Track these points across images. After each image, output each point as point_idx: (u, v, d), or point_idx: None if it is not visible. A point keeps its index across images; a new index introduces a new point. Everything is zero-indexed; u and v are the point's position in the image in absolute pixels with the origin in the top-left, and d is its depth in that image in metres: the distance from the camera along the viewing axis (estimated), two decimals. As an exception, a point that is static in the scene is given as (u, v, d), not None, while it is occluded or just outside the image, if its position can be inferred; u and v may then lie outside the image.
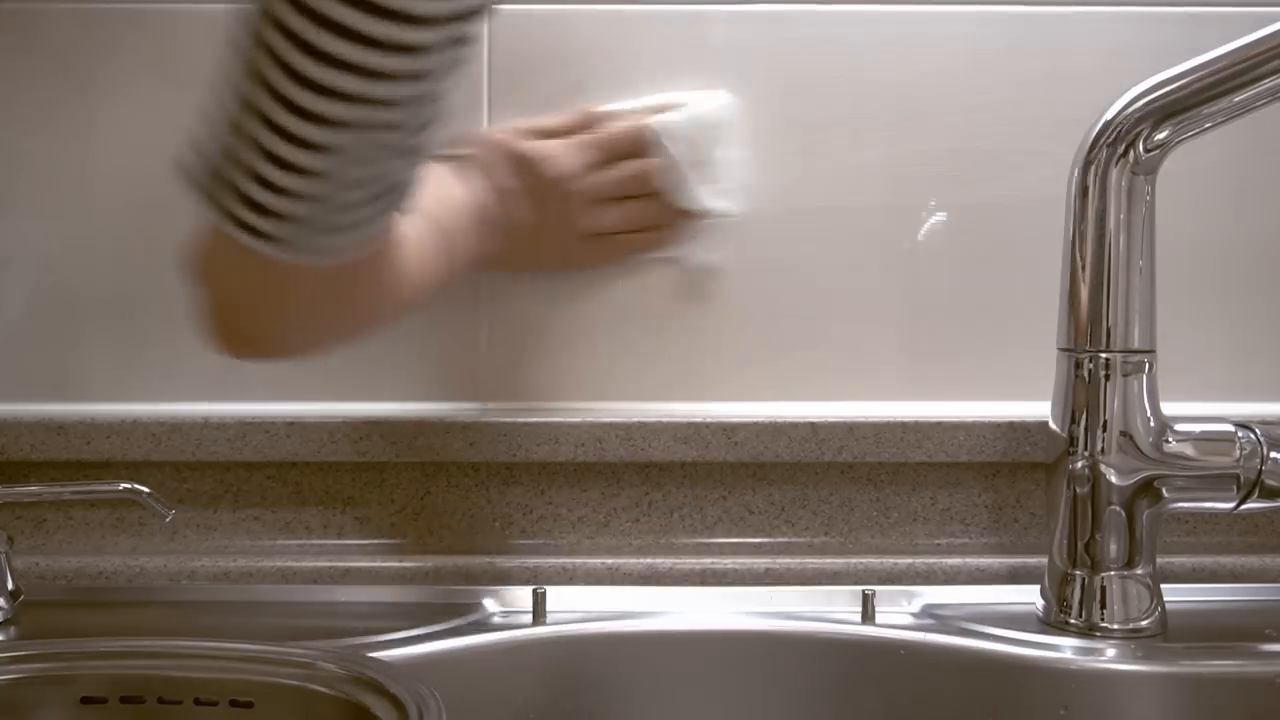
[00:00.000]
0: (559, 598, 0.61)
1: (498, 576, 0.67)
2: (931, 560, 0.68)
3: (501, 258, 0.67)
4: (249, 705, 0.51)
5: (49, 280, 0.71)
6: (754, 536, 0.71)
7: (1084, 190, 0.59)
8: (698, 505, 0.70)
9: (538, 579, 0.66)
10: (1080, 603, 0.60)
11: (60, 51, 0.70)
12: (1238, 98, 0.56)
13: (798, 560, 0.68)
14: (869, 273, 0.72)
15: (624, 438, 0.68)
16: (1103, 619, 0.59)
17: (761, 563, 0.68)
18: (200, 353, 0.71)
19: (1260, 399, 0.71)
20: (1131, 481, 0.59)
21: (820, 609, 0.62)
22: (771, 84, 0.71)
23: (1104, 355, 0.59)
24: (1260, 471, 0.58)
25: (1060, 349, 0.61)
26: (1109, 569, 0.59)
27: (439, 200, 0.60)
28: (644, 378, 0.71)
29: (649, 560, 0.68)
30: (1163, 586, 0.60)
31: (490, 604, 0.63)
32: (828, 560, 0.68)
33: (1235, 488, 0.58)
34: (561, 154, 0.67)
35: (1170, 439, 0.59)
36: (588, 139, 0.68)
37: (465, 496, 0.70)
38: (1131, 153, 0.57)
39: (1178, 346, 0.63)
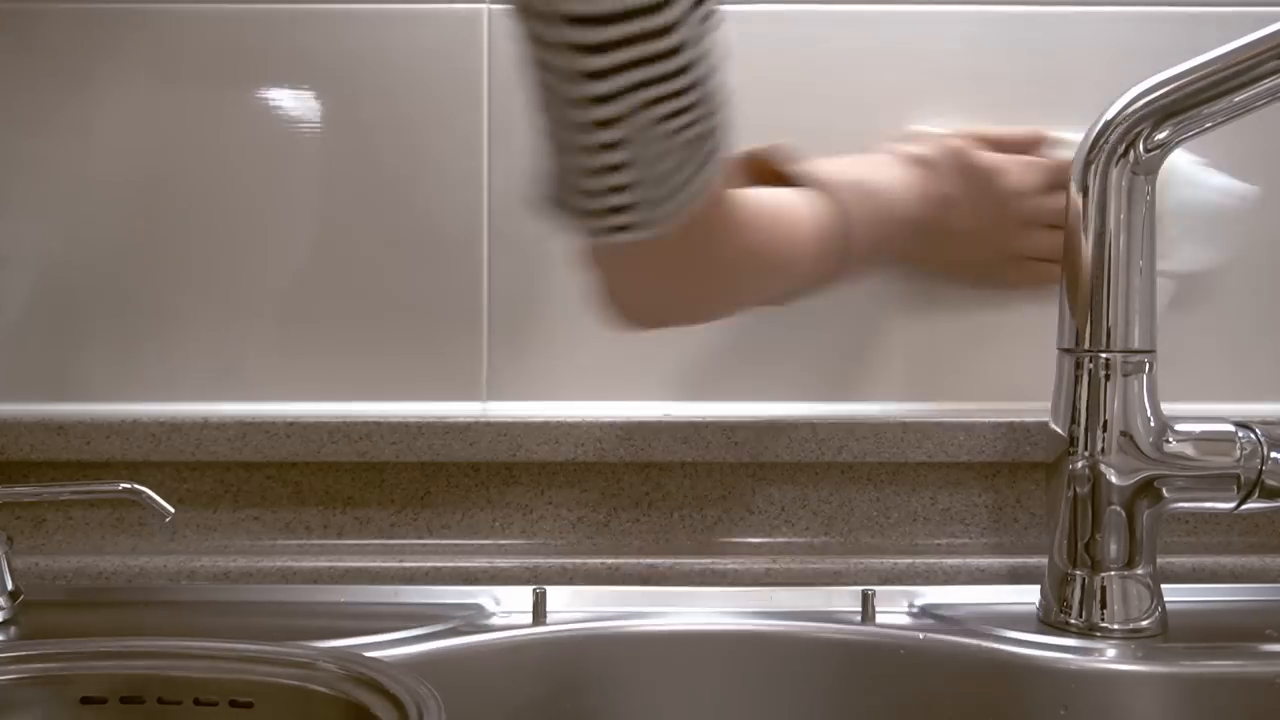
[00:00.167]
0: (559, 598, 0.61)
1: (498, 576, 0.67)
2: (931, 560, 0.68)
3: (923, 257, 0.68)
4: (249, 705, 0.51)
5: (49, 280, 0.71)
6: (754, 536, 0.71)
7: (1084, 190, 0.59)
8: (698, 505, 0.70)
9: (538, 579, 0.66)
10: (1080, 603, 0.60)
11: (59, 51, 0.70)
12: (1238, 98, 0.56)
13: (798, 560, 0.68)
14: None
15: (624, 438, 0.68)
16: (1103, 619, 0.59)
17: (761, 563, 0.68)
18: (200, 353, 0.71)
19: (1260, 399, 0.71)
20: (1131, 481, 0.59)
21: (820, 609, 0.62)
22: (771, 84, 0.71)
23: (1104, 355, 0.59)
24: (1260, 471, 0.58)
25: (1060, 349, 0.61)
26: (1109, 569, 0.59)
27: (861, 186, 0.62)
28: (644, 378, 0.71)
29: (649, 560, 0.68)
30: (1163, 586, 0.60)
31: (490, 604, 0.63)
32: (828, 560, 0.68)
33: (1235, 488, 0.58)
34: (1014, 171, 0.67)
35: (1170, 439, 0.59)
36: (1040, 161, 0.68)
37: (465, 496, 0.70)
38: (1131, 153, 0.57)
39: (1178, 346, 0.63)
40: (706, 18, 0.45)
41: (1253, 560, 0.69)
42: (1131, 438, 0.58)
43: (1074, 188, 0.59)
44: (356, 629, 0.58)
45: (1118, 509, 0.59)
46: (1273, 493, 0.58)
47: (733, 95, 0.68)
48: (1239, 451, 0.58)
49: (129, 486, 0.61)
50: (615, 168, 0.47)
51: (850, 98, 0.71)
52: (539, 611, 0.60)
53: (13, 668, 0.52)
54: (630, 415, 0.69)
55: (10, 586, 0.61)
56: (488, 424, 0.68)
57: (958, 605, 0.63)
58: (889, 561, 0.68)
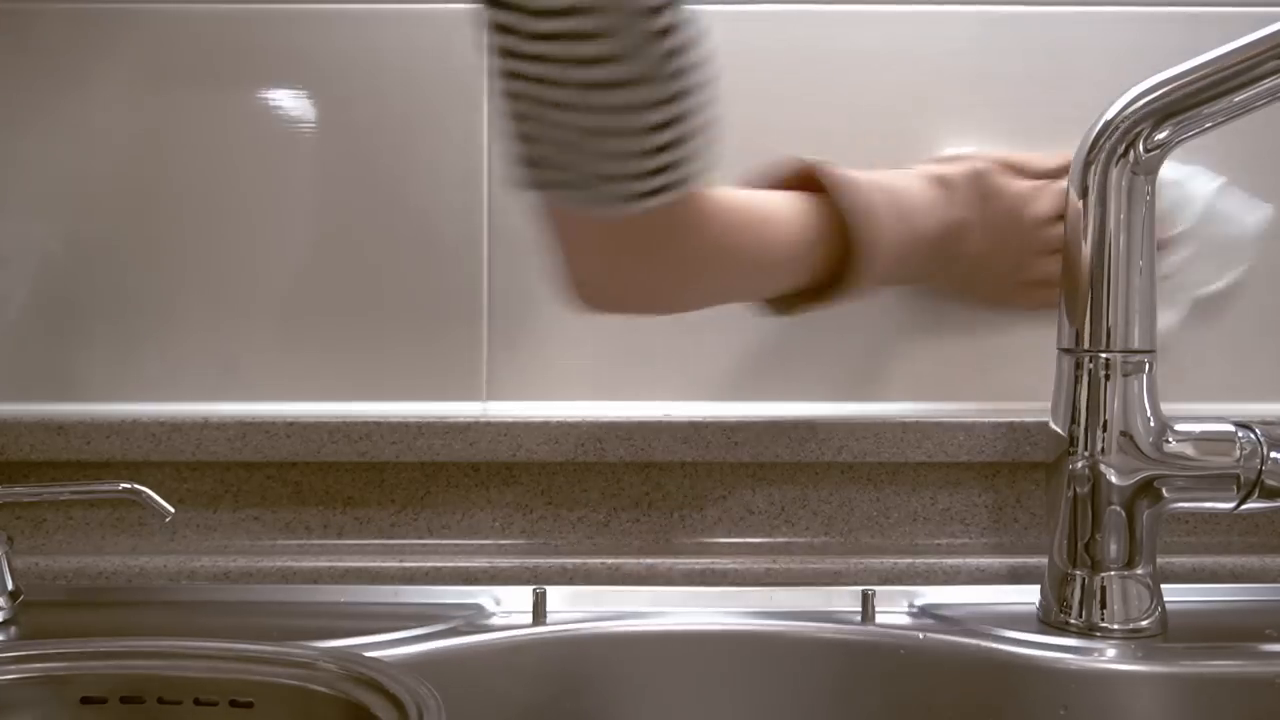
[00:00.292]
0: (559, 598, 0.61)
1: (498, 576, 0.67)
2: (931, 560, 0.68)
3: (937, 277, 0.68)
4: (249, 705, 0.51)
5: (49, 280, 0.71)
6: (754, 536, 0.71)
7: (1084, 190, 0.59)
8: (698, 505, 0.70)
9: (538, 579, 0.66)
10: (1080, 603, 0.60)
11: (57, 51, 0.70)
12: (1238, 98, 0.56)
13: (798, 560, 0.68)
14: (869, 273, 0.72)
15: (624, 438, 0.68)
16: (1103, 619, 0.59)
17: (761, 563, 0.68)
18: (200, 352, 0.71)
19: (1260, 399, 0.71)
20: (1131, 481, 0.59)
21: (820, 609, 0.62)
22: (771, 84, 0.71)
23: (1104, 355, 0.59)
24: (1260, 471, 0.58)
25: (1060, 349, 0.61)
26: (1109, 569, 0.59)
27: (893, 203, 0.62)
28: (645, 378, 0.71)
29: (649, 560, 0.68)
30: (1163, 586, 0.60)
31: (490, 604, 0.63)
32: (828, 560, 0.68)
33: (1235, 488, 0.58)
34: (1036, 199, 0.67)
35: (1170, 439, 0.59)
36: (1063, 188, 0.67)
37: (465, 496, 0.70)
38: (1131, 153, 0.57)
39: (1178, 346, 0.63)
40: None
41: (1253, 560, 0.69)
42: (1131, 438, 0.58)
43: (1074, 188, 0.59)
44: (356, 629, 0.58)
45: (1118, 509, 0.59)
46: (1273, 493, 0.58)
47: (732, 96, 0.68)
48: (1239, 451, 0.58)
49: (129, 486, 0.61)
50: (661, 125, 0.47)
51: (851, 98, 0.71)
52: (539, 612, 0.60)
53: (13, 668, 0.52)
54: (630, 415, 0.69)
55: (10, 586, 0.61)
56: (488, 424, 0.68)
57: (958, 605, 0.63)
58: (889, 561, 0.68)
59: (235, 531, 0.70)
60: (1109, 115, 0.58)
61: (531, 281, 0.71)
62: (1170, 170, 0.66)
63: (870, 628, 0.60)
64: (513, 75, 0.47)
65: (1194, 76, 0.56)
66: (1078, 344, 0.59)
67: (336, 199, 0.71)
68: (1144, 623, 0.59)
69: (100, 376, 0.71)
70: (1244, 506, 0.59)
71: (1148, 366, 0.59)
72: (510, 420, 0.69)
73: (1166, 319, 0.67)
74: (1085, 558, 0.59)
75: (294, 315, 0.71)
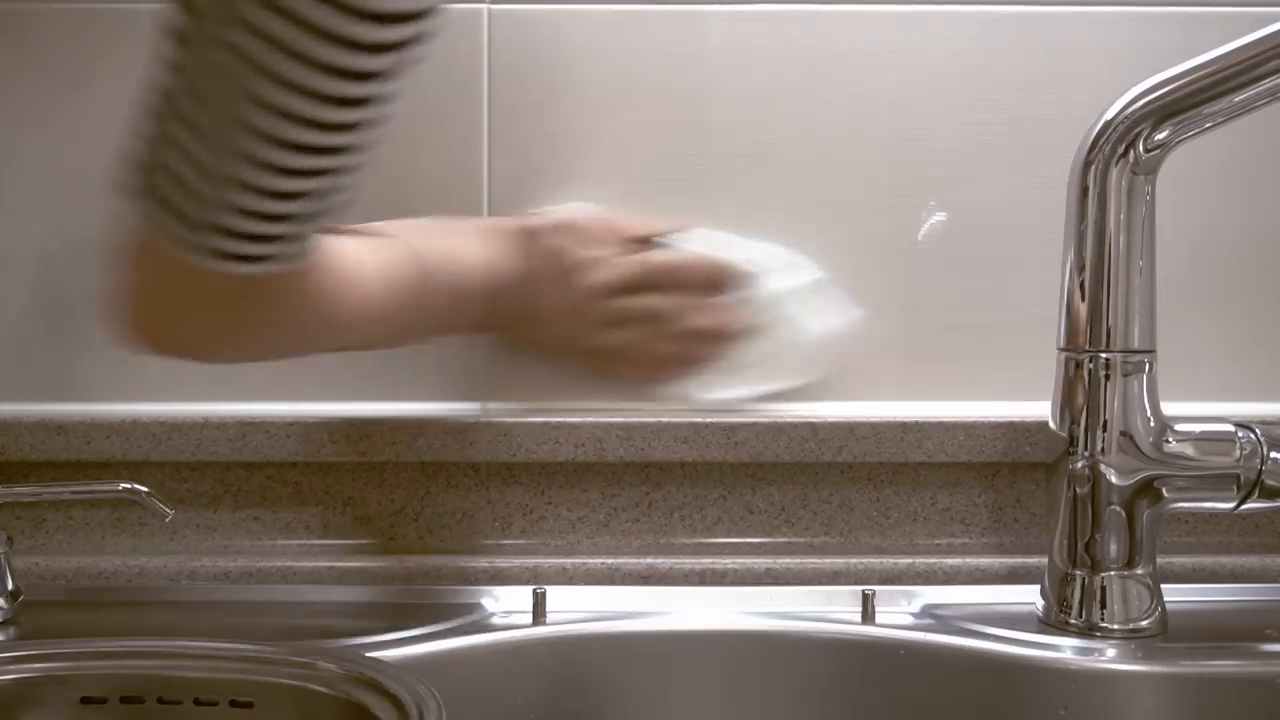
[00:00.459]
0: (559, 598, 0.61)
1: (497, 576, 0.67)
2: (931, 560, 0.68)
3: (503, 330, 0.68)
4: (249, 705, 0.51)
5: (49, 280, 0.71)
6: (754, 536, 0.71)
7: (1084, 190, 0.59)
8: (698, 505, 0.70)
9: (538, 579, 0.66)
10: (1080, 603, 0.60)
11: (57, 51, 0.70)
12: (1238, 98, 0.56)
13: (798, 560, 0.68)
14: (869, 273, 0.71)
15: (624, 438, 0.68)
16: (1103, 619, 0.59)
17: (761, 563, 0.68)
18: (200, 353, 0.71)
19: (1260, 399, 0.71)
20: (1131, 481, 0.59)
21: (820, 609, 0.62)
22: (771, 84, 0.71)
23: (1104, 355, 0.59)
24: (1260, 471, 0.58)
25: (1060, 349, 0.61)
26: (1109, 569, 0.59)
27: (443, 253, 0.61)
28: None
29: (649, 560, 0.68)
30: (1163, 586, 0.60)
31: (490, 604, 0.63)
32: (828, 560, 0.68)
33: (1235, 488, 0.58)
34: (596, 266, 0.66)
35: (1170, 439, 0.59)
36: (636, 259, 0.67)
37: (465, 496, 0.70)
38: (1131, 153, 0.57)
39: (1178, 346, 0.63)
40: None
41: (1253, 560, 0.69)
42: (1131, 438, 0.58)
43: (1074, 188, 0.59)
44: (356, 629, 0.58)
45: (1118, 509, 0.59)
46: (1273, 493, 0.58)
47: (732, 96, 0.68)
48: (1239, 451, 0.58)
49: (129, 486, 0.61)
50: (291, 196, 0.44)
51: (851, 98, 0.71)
52: (539, 611, 0.60)
53: (13, 668, 0.52)
54: (630, 415, 0.69)
55: (10, 586, 0.61)
56: (487, 424, 0.68)
57: (958, 605, 0.63)
58: (889, 561, 0.68)
59: (235, 531, 0.70)
60: (1109, 115, 0.58)
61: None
62: (769, 258, 0.68)
63: (870, 628, 0.60)
64: (176, 70, 0.43)
65: (1194, 76, 0.56)
66: (1077, 344, 0.59)
67: (336, 199, 0.71)
68: (1144, 623, 0.59)
69: (100, 376, 0.71)
70: (1244, 506, 0.59)
71: (1148, 366, 0.59)
72: (510, 420, 0.69)
73: (738, 392, 0.68)
74: (1085, 558, 0.60)
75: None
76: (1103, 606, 0.59)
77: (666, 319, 0.67)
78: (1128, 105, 0.57)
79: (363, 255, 0.56)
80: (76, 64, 0.70)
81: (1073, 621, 0.60)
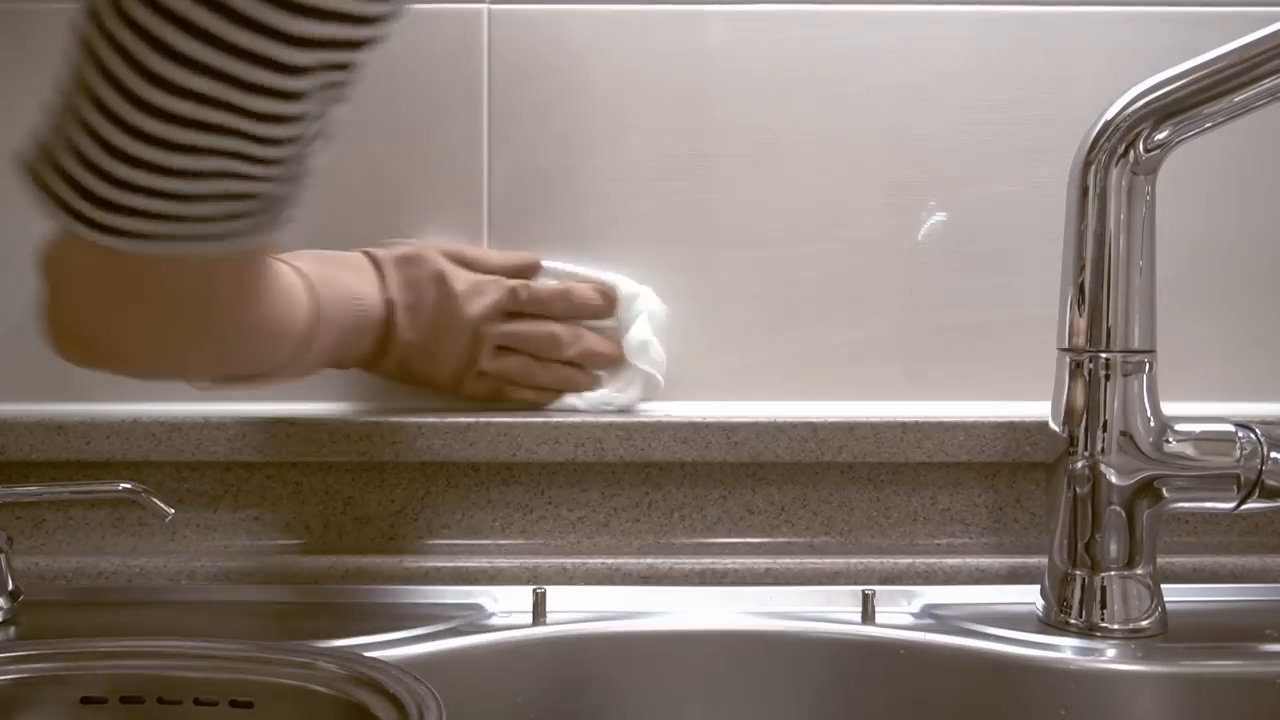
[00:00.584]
0: (559, 598, 0.61)
1: (497, 576, 0.67)
2: (931, 560, 0.68)
3: (391, 366, 0.67)
4: (249, 705, 0.51)
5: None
6: (754, 536, 0.71)
7: (1084, 190, 0.59)
8: (698, 505, 0.70)
9: (538, 579, 0.66)
10: (1080, 603, 0.60)
11: (58, 51, 0.70)
12: (1238, 98, 0.56)
13: (798, 560, 0.68)
14: (869, 273, 0.72)
15: (624, 438, 0.68)
16: (1103, 619, 0.59)
17: (761, 563, 0.68)
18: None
19: (1260, 399, 0.71)
20: (1131, 481, 0.59)
21: (820, 609, 0.62)
22: (771, 84, 0.71)
23: (1104, 355, 0.59)
24: (1260, 471, 0.58)
25: (1060, 349, 0.61)
26: (1109, 569, 0.59)
27: (333, 282, 0.60)
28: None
29: (649, 560, 0.68)
30: (1163, 586, 0.60)
31: (490, 604, 0.63)
32: (828, 560, 0.68)
33: (1235, 488, 0.58)
34: (477, 292, 0.68)
35: (1170, 439, 0.59)
36: (506, 284, 0.69)
37: (465, 496, 0.70)
38: (1131, 153, 0.57)
39: (1178, 346, 0.63)
40: (334, 68, 0.42)
41: (1253, 560, 0.69)
42: (1131, 438, 0.58)
43: (1074, 188, 0.59)
44: (356, 629, 0.58)
45: (1118, 509, 0.59)
46: (1273, 493, 0.58)
47: (732, 96, 0.68)
48: (1239, 451, 0.58)
49: (129, 486, 0.61)
50: (154, 168, 0.41)
51: (851, 98, 0.71)
52: (539, 611, 0.60)
53: (13, 668, 0.52)
54: (630, 415, 0.69)
55: (10, 586, 0.61)
56: (488, 424, 0.68)
57: (958, 605, 0.63)
58: (889, 561, 0.68)
59: (235, 531, 0.70)
60: (1109, 115, 0.58)
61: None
62: (625, 285, 0.70)
63: (870, 628, 0.60)
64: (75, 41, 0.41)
65: (1194, 76, 0.56)
66: (1077, 344, 0.59)
67: (336, 200, 0.71)
68: (1144, 623, 0.59)
69: (100, 376, 0.71)
70: (1244, 506, 0.59)
71: (1148, 366, 0.59)
72: (510, 420, 0.69)
73: (587, 399, 0.70)
74: (1085, 558, 0.60)
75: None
76: (1103, 606, 0.59)
77: (546, 344, 0.69)
78: (1128, 105, 0.57)
79: (265, 276, 0.53)
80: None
81: (1073, 621, 0.60)
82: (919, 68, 0.71)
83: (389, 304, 0.65)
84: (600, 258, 0.71)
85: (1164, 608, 0.60)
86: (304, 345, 0.57)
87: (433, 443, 0.68)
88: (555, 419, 0.69)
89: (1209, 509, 0.61)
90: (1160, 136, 0.57)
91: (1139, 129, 0.57)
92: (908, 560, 0.68)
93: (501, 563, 0.68)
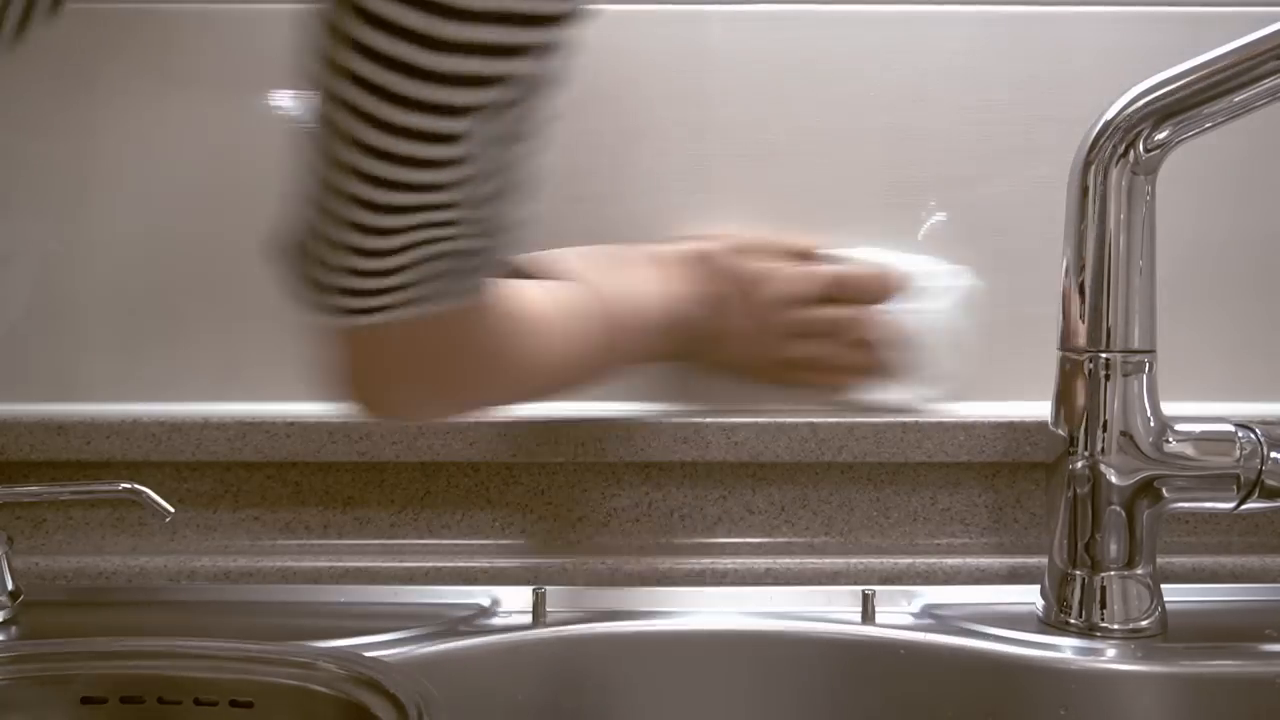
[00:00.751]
0: (559, 598, 0.61)
1: (497, 576, 0.67)
2: (931, 560, 0.68)
3: (692, 356, 0.68)
4: (249, 705, 0.51)
5: (49, 280, 0.71)
6: (754, 536, 0.71)
7: (1084, 190, 0.59)
8: (698, 505, 0.70)
9: (538, 579, 0.66)
10: (1080, 603, 0.60)
11: (61, 51, 0.70)
12: (1238, 98, 0.56)
13: (798, 560, 0.68)
14: (869, 273, 0.72)
15: (624, 438, 0.68)
16: (1103, 619, 0.59)
17: (761, 563, 0.68)
18: (200, 353, 0.71)
19: (1260, 399, 0.71)
20: (1131, 481, 0.59)
21: (820, 609, 0.62)
22: (771, 84, 0.71)
23: (1104, 355, 0.59)
24: (1260, 471, 0.58)
25: (1060, 349, 0.61)
26: (1109, 569, 0.59)
27: (626, 285, 0.61)
28: (644, 376, 0.71)
29: (649, 560, 0.68)
30: (1163, 586, 0.60)
31: (490, 604, 0.63)
32: (828, 560, 0.68)
33: (1235, 488, 0.58)
34: (773, 279, 0.67)
35: (1170, 439, 0.59)
36: (815, 271, 0.68)
37: (465, 496, 0.70)
38: (1131, 153, 0.57)
39: (1178, 346, 0.63)
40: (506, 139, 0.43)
41: (1253, 560, 0.69)
42: (1131, 438, 0.58)
43: (1074, 188, 0.59)
44: (356, 629, 0.58)
45: (1118, 509, 0.59)
46: (1273, 493, 0.58)
47: (732, 97, 0.67)
48: (1239, 451, 0.58)
49: (129, 486, 0.61)
50: (388, 251, 0.44)
51: (851, 98, 0.71)
52: (539, 611, 0.60)
53: (13, 668, 0.52)
54: (630, 415, 0.69)
55: (10, 586, 0.61)
56: (488, 424, 0.68)
57: (958, 605, 0.63)
58: (889, 561, 0.68)
59: (235, 531, 0.70)
60: (1109, 115, 0.58)
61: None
62: (927, 268, 0.68)
63: (870, 628, 0.60)
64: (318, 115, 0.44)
65: (1194, 76, 0.56)
66: (1077, 344, 0.59)
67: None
68: (1144, 623, 0.59)
69: (100, 376, 0.71)
70: (1244, 506, 0.59)
71: (1148, 366, 0.59)
72: (510, 420, 0.69)
73: (894, 397, 0.69)
74: (1085, 558, 0.59)
75: (294, 315, 0.71)
76: (1103, 606, 0.59)
77: (845, 329, 0.68)
78: (1128, 105, 0.57)
79: (543, 302, 0.56)
80: (80, 65, 0.70)
81: (1073, 621, 0.60)
82: (919, 68, 0.71)
83: (689, 298, 0.65)
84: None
85: (1164, 608, 0.60)
86: (598, 355, 0.59)
87: (433, 443, 0.68)
88: (556, 419, 0.69)
89: (1209, 509, 0.61)
90: (1160, 136, 0.57)
91: (1139, 129, 0.57)
92: (908, 560, 0.68)
93: (501, 563, 0.68)
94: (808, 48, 0.71)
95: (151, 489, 0.61)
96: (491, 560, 0.68)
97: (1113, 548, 0.59)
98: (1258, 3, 0.69)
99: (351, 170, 0.42)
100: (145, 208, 0.71)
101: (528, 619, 0.60)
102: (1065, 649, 0.58)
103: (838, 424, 0.69)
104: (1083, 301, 0.59)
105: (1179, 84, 0.56)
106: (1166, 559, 0.65)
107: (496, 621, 0.60)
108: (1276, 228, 0.72)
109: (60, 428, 0.68)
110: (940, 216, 0.71)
